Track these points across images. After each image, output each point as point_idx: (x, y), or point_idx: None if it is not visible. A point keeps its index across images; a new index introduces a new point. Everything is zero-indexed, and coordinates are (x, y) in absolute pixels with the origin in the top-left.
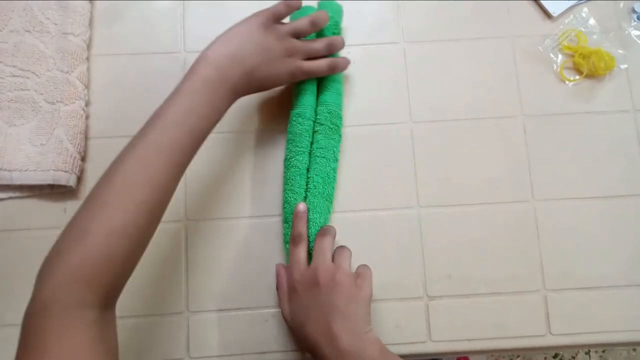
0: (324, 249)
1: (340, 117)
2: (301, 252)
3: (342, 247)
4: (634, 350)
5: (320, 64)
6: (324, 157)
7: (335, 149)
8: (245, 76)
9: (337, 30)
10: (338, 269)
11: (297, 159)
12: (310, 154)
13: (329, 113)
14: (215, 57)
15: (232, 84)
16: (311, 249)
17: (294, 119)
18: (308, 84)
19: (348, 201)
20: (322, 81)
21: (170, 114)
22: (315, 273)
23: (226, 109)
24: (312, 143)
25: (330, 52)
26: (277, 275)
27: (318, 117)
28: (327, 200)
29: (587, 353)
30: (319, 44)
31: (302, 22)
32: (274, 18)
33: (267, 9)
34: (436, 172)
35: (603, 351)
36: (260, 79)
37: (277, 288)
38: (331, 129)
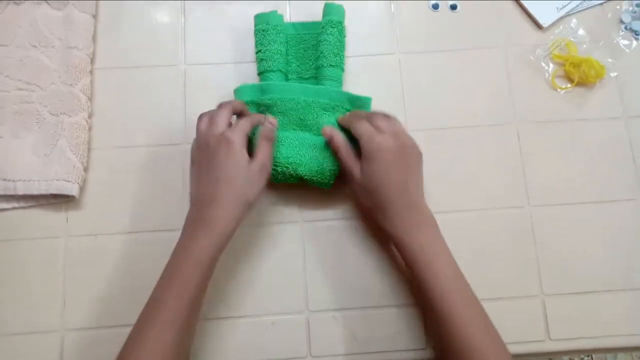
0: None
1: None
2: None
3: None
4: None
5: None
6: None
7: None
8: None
9: (341, 30)
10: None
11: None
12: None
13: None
14: None
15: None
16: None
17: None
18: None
19: (345, 208)
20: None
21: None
22: (395, 140)
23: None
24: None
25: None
26: (335, 142)
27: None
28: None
29: None
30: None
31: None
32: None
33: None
34: (432, 179)
35: None
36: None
37: (340, 152)
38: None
